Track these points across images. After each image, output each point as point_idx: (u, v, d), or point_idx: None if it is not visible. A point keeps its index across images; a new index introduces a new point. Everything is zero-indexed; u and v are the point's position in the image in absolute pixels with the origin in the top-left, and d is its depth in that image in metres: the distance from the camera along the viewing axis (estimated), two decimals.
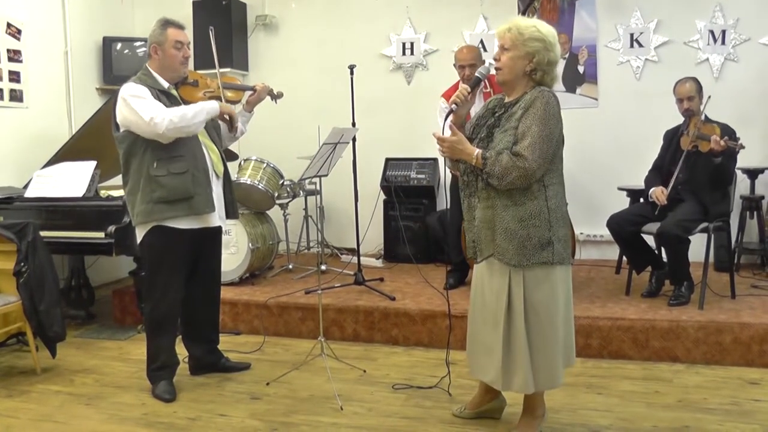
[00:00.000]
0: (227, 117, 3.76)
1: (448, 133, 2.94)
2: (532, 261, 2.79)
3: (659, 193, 4.51)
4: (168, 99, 3.61)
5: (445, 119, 2.93)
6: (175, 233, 3.59)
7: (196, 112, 3.54)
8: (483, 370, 3.00)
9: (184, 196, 3.56)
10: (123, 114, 3.51)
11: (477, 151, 2.82)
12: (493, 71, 2.97)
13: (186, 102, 3.70)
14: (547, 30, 2.83)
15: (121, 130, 3.58)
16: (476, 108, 4.50)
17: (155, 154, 3.53)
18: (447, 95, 4.77)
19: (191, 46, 3.80)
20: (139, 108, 3.45)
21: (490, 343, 2.92)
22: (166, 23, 3.67)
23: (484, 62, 4.97)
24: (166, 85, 3.67)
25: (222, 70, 3.99)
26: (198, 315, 3.91)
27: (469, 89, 2.93)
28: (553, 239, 2.80)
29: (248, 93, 4.03)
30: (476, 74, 3.03)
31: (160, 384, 3.71)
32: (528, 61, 2.81)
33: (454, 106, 2.91)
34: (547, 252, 2.80)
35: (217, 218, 3.76)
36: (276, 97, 4.09)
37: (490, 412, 3.28)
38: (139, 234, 3.66)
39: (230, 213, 3.88)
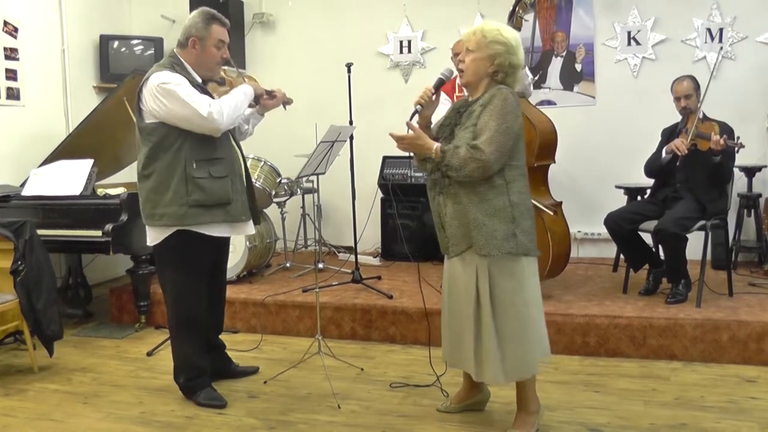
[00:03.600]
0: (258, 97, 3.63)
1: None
2: (497, 252, 2.86)
3: (679, 143, 4.37)
4: (201, 92, 3.37)
5: (410, 119, 2.99)
6: (202, 239, 3.39)
7: (242, 100, 3.42)
8: (458, 362, 3.10)
9: (223, 201, 3.37)
10: (165, 106, 3.23)
11: (436, 145, 2.90)
12: (456, 73, 3.06)
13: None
14: (510, 35, 2.91)
15: (149, 120, 3.31)
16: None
17: (193, 153, 3.30)
18: (444, 90, 4.77)
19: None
20: (193, 101, 3.21)
21: (462, 335, 3.01)
22: (212, 18, 3.39)
23: None
24: (199, 80, 3.43)
25: (225, 67, 3.92)
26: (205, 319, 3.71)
27: (432, 90, 3.01)
28: (517, 231, 2.89)
29: (265, 96, 3.94)
30: (440, 75, 3.07)
31: (204, 391, 3.54)
32: (490, 63, 2.90)
33: (418, 107, 3.00)
34: (511, 243, 2.87)
35: (250, 226, 3.62)
36: (286, 103, 4.08)
37: (475, 405, 3.36)
38: (157, 237, 3.41)
39: (255, 219, 3.68)
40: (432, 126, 3.11)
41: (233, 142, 3.58)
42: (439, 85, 3.05)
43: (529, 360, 2.93)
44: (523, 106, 4.46)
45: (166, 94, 3.23)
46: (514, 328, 2.90)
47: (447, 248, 3.06)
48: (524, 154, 3.00)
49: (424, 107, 3.01)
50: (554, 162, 4.64)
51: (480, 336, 2.93)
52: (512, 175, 2.91)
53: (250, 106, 3.65)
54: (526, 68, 4.62)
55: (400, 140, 2.95)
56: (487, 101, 2.87)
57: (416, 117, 3.01)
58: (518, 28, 4.70)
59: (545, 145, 4.46)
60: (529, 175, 4.37)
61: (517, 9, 4.62)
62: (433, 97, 3.02)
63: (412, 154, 3.12)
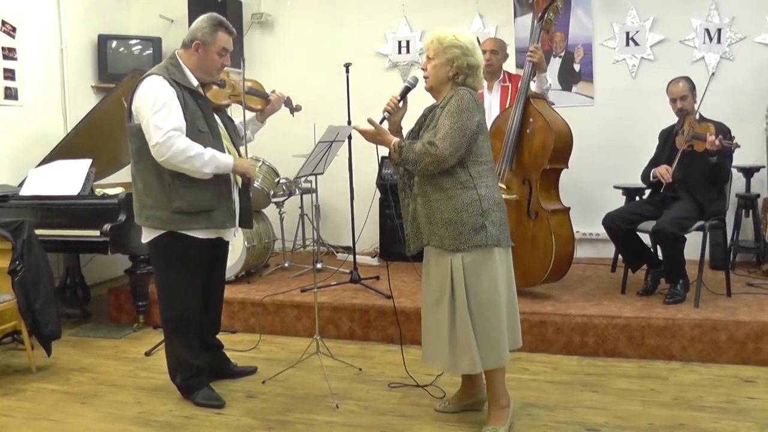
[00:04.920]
0: (241, 175, 3.53)
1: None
2: (468, 245, 2.97)
3: (663, 171, 4.49)
4: (194, 98, 3.38)
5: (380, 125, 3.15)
6: (191, 240, 3.41)
7: (206, 162, 3.30)
8: (434, 357, 3.14)
9: (205, 208, 3.38)
10: (143, 108, 3.25)
11: (395, 140, 3.07)
12: (422, 80, 3.18)
13: (208, 103, 3.49)
14: (466, 38, 3.05)
15: (136, 121, 3.34)
16: (493, 102, 4.79)
17: None
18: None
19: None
20: (156, 124, 3.20)
21: (437, 329, 3.08)
22: (219, 25, 3.39)
23: (507, 55, 5.09)
24: (195, 83, 3.41)
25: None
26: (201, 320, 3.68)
27: (398, 98, 3.18)
28: (486, 223, 2.99)
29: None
30: (405, 83, 3.21)
31: (202, 391, 3.55)
32: (449, 66, 3.03)
33: (386, 114, 3.16)
34: (480, 235, 2.97)
35: (232, 233, 3.62)
36: (294, 110, 4.00)
37: (473, 405, 3.37)
38: (149, 235, 3.46)
39: (244, 222, 3.66)
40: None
41: (225, 143, 3.54)
42: (405, 92, 3.20)
43: (501, 349, 3.02)
44: (543, 107, 4.53)
45: (143, 103, 3.27)
46: (489, 318, 2.99)
47: (410, 244, 3.21)
48: (491, 151, 3.13)
49: (392, 114, 3.19)
50: (567, 167, 4.61)
51: (455, 328, 3.01)
52: (478, 171, 3.02)
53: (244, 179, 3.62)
54: (546, 73, 4.65)
55: (364, 134, 3.14)
56: (446, 103, 3.00)
57: (385, 123, 3.17)
58: (547, 30, 4.72)
59: (560, 148, 4.44)
60: (539, 178, 4.42)
61: (548, 12, 4.62)
62: (400, 104, 3.19)
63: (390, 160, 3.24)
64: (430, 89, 3.13)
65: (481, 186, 3.00)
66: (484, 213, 2.98)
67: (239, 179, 3.62)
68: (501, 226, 3.04)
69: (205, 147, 3.33)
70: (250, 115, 3.86)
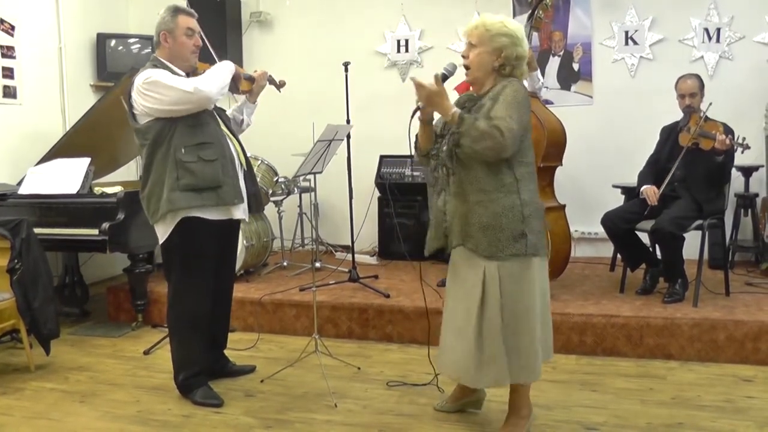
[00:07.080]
0: (243, 77, 3.67)
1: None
2: (506, 253, 2.78)
3: (651, 193, 4.51)
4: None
5: (412, 116, 2.90)
6: (204, 225, 3.43)
7: (222, 71, 3.49)
8: (453, 368, 2.97)
9: (213, 184, 3.40)
10: (154, 98, 3.31)
11: (455, 109, 2.79)
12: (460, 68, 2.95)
13: None
14: (515, 26, 2.86)
15: (143, 121, 3.39)
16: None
17: (182, 140, 3.36)
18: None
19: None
20: (176, 83, 3.30)
21: (461, 337, 2.89)
22: (177, 10, 3.50)
23: None
24: (182, 74, 3.50)
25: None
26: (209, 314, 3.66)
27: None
28: (527, 231, 2.79)
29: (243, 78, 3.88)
30: (443, 71, 2.94)
31: (201, 390, 3.55)
32: (496, 56, 2.83)
33: (420, 104, 2.87)
34: (520, 244, 2.78)
35: (242, 211, 3.60)
36: (279, 86, 4.01)
37: (471, 404, 3.34)
38: (164, 232, 3.45)
39: (253, 207, 3.67)
40: (434, 122, 2.99)
41: (223, 128, 3.59)
42: (443, 80, 2.93)
43: (533, 363, 2.87)
44: (534, 105, 4.48)
45: (152, 86, 3.32)
46: (520, 330, 2.82)
47: (442, 243, 2.98)
48: (533, 152, 2.93)
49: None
50: (561, 164, 4.62)
51: (482, 338, 2.83)
52: (522, 173, 2.82)
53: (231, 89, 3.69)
54: (537, 71, 4.63)
55: (421, 88, 2.80)
56: (498, 92, 2.78)
57: (418, 113, 2.90)
58: (537, 28, 4.71)
59: (553, 146, 4.46)
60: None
61: (537, 10, 4.62)
62: None
63: (413, 153, 3.05)
64: (473, 81, 2.91)
65: (524, 190, 2.80)
66: (525, 220, 2.78)
67: (243, 160, 3.64)
68: (540, 234, 2.85)
69: (199, 127, 3.42)
70: (241, 100, 3.89)
